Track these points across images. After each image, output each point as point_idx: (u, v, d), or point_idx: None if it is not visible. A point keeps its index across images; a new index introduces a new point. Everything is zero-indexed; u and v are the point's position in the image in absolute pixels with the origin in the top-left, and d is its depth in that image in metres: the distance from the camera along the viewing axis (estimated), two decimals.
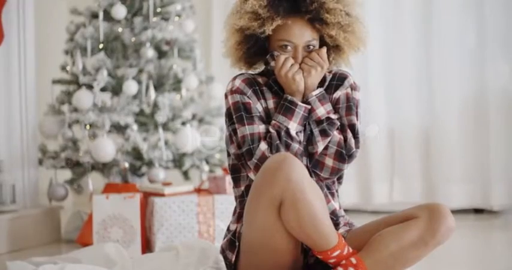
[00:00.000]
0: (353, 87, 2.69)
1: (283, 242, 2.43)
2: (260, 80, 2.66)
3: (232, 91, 2.61)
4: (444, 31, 5.03)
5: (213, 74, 4.63)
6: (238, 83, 2.62)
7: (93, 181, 4.17)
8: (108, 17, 4.32)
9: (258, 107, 2.61)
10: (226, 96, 2.64)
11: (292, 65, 2.57)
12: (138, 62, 4.30)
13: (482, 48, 5.00)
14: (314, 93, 2.61)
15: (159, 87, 4.34)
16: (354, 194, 5.19)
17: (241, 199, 2.62)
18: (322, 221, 2.37)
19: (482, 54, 4.99)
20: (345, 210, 3.68)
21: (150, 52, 4.26)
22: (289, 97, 2.58)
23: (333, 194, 2.67)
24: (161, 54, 4.42)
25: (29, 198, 4.21)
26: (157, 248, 3.77)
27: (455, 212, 4.37)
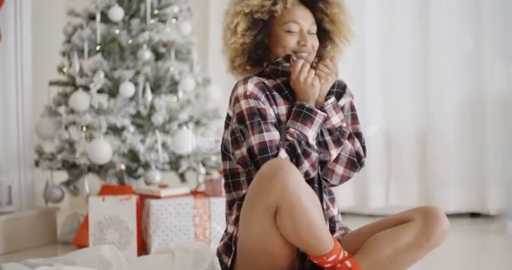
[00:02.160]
0: (352, 96, 2.72)
1: (279, 247, 2.42)
2: (267, 82, 2.63)
3: (246, 95, 2.56)
4: (441, 34, 5.03)
5: (209, 76, 4.63)
6: (251, 87, 2.57)
7: (90, 183, 4.16)
8: (105, 18, 4.31)
9: (271, 113, 2.57)
10: (238, 99, 2.56)
11: (309, 70, 2.58)
12: (135, 64, 4.30)
13: (480, 51, 4.99)
14: (330, 101, 2.61)
15: (155, 89, 4.34)
16: (350, 197, 5.19)
17: (241, 202, 2.57)
18: (318, 227, 2.37)
19: (480, 57, 4.99)
20: (342, 214, 3.68)
21: (147, 54, 4.25)
22: (307, 104, 2.56)
23: (333, 200, 2.67)
24: (158, 56, 4.42)
25: (25, 200, 4.21)
26: (153, 250, 3.77)
27: (451, 215, 4.39)
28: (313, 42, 2.64)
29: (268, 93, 2.60)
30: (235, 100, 2.58)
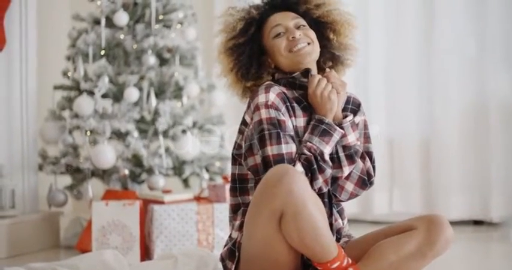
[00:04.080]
0: (364, 114, 2.72)
1: (284, 253, 2.42)
2: (287, 92, 2.61)
3: (268, 105, 2.52)
4: (445, 40, 5.03)
5: (214, 82, 4.62)
6: (273, 97, 2.54)
7: (93, 187, 4.17)
8: (110, 23, 4.32)
9: (290, 125, 2.55)
10: (258, 107, 2.53)
11: (326, 84, 2.57)
12: (139, 69, 4.30)
13: (483, 58, 4.99)
14: (348, 118, 2.60)
15: (160, 94, 4.34)
16: (354, 204, 5.18)
17: (247, 208, 2.55)
18: (322, 233, 2.36)
19: (483, 64, 4.99)
20: None
21: (151, 59, 4.26)
22: (327, 120, 2.55)
23: (342, 211, 2.67)
24: (163, 61, 4.42)
25: (28, 204, 4.21)
26: (156, 256, 3.77)
27: (454, 223, 4.37)
28: (306, 32, 2.63)
29: (288, 104, 2.58)
30: (255, 108, 2.55)
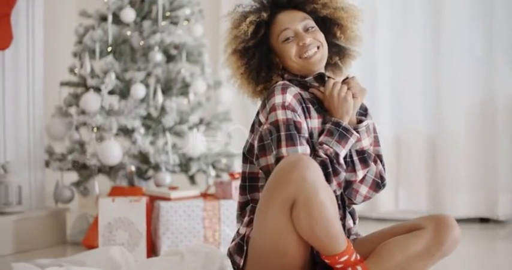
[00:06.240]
0: (371, 117, 2.72)
1: (294, 245, 2.40)
2: (303, 93, 2.61)
3: (285, 106, 2.51)
4: (452, 39, 5.02)
5: (221, 78, 4.63)
6: (290, 98, 2.53)
7: (100, 184, 4.17)
8: (117, 20, 4.32)
9: (305, 127, 2.54)
10: (274, 108, 2.52)
11: (341, 86, 2.58)
12: (146, 66, 4.30)
13: (490, 57, 4.98)
14: (364, 123, 2.61)
15: (166, 91, 4.34)
16: None
17: (256, 206, 2.54)
18: (333, 223, 2.35)
19: (490, 63, 4.98)
20: None
21: (158, 56, 4.26)
22: (343, 123, 2.54)
23: (352, 213, 2.68)
24: (169, 58, 4.42)
25: (35, 200, 4.22)
26: (163, 252, 3.78)
27: (460, 221, 4.37)
28: (315, 35, 2.62)
29: (304, 105, 2.58)
30: (271, 108, 2.53)
